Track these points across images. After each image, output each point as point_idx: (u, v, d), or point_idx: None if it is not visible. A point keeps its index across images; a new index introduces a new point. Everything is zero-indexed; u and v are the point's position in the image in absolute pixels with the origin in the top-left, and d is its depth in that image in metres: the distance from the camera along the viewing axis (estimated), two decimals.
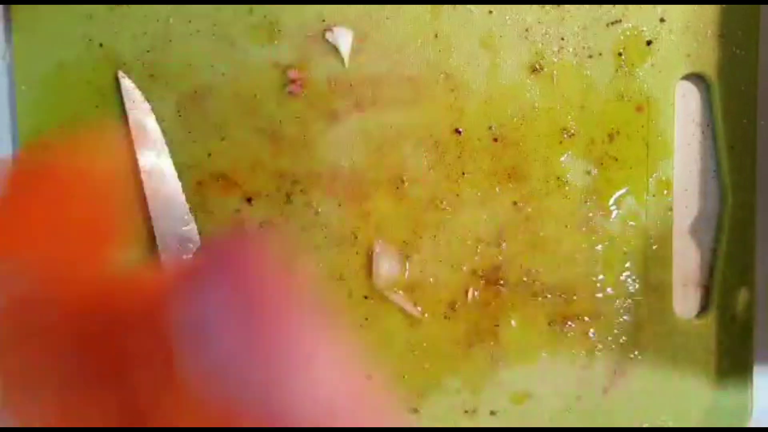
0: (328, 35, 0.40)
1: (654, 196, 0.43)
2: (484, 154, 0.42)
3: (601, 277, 0.43)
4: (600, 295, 0.43)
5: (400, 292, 0.42)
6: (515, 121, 0.42)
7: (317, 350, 0.19)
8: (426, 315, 0.42)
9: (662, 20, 0.41)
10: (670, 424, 0.44)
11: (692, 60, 0.42)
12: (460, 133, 0.41)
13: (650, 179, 0.42)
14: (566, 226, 0.42)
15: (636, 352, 0.43)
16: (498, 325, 0.42)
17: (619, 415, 0.44)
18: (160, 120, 0.40)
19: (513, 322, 0.43)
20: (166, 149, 0.40)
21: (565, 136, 0.42)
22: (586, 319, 0.43)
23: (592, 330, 0.43)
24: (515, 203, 0.42)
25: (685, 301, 0.44)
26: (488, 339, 0.42)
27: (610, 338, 0.43)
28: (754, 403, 0.44)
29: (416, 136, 0.41)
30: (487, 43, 0.41)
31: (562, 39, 0.41)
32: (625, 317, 0.43)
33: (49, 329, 0.22)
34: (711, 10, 0.42)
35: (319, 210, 0.41)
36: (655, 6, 0.41)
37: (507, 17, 0.41)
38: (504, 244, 0.42)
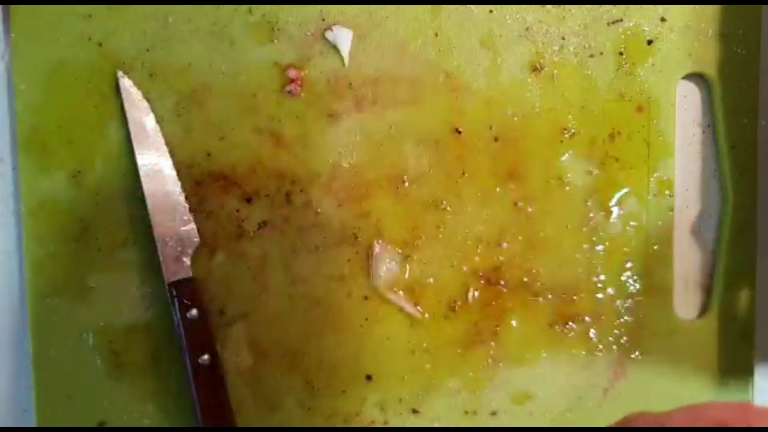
0: (328, 34, 0.40)
1: (655, 196, 0.42)
2: (485, 154, 0.42)
3: (602, 277, 0.42)
4: (601, 295, 0.43)
5: (400, 292, 0.42)
6: (515, 121, 0.41)
7: None
8: (426, 315, 0.42)
9: (663, 20, 0.41)
10: None
11: (693, 60, 0.42)
12: (460, 132, 0.41)
13: (651, 179, 0.42)
14: (567, 227, 0.42)
15: (637, 353, 0.43)
16: (498, 326, 0.42)
17: (619, 416, 0.43)
18: (159, 119, 0.40)
19: (513, 323, 0.42)
20: (165, 149, 0.40)
21: (566, 135, 0.42)
22: (587, 319, 0.43)
23: (592, 330, 0.43)
24: (516, 203, 0.42)
25: (685, 302, 0.44)
26: (488, 339, 0.42)
27: (610, 339, 0.43)
28: (754, 403, 0.44)
29: (416, 136, 0.41)
30: (487, 42, 0.41)
31: (563, 38, 0.41)
32: (625, 318, 0.43)
33: None
34: (712, 10, 0.41)
35: (319, 210, 0.41)
36: (656, 5, 0.41)
37: (507, 16, 0.41)
38: (504, 245, 0.42)
